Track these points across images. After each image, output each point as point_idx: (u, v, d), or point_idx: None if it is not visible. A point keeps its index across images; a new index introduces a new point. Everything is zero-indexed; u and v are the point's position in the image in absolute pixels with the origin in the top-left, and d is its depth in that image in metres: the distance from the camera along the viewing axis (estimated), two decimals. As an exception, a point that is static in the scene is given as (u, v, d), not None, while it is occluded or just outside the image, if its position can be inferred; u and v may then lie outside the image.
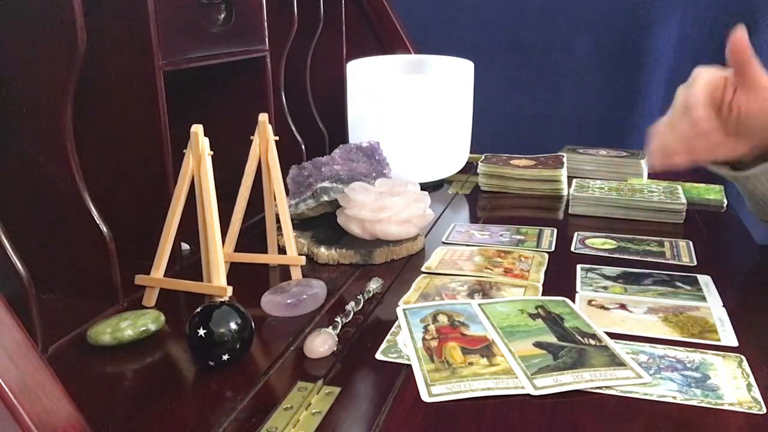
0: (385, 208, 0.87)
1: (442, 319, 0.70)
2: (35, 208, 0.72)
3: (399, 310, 0.72)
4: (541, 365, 0.61)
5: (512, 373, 0.60)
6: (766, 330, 0.69)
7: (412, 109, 1.13)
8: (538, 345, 0.64)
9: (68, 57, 0.65)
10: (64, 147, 0.68)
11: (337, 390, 0.58)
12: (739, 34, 0.67)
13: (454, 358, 0.62)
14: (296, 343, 0.67)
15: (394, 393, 0.58)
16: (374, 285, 0.78)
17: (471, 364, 0.61)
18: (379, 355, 0.64)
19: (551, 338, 0.65)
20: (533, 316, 0.70)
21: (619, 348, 0.64)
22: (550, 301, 0.73)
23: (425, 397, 0.57)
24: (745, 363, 0.62)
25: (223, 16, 0.87)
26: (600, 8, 1.51)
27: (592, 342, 0.65)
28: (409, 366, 0.62)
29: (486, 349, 0.64)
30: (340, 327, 0.68)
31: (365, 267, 0.85)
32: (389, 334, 0.68)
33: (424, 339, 0.66)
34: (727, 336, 0.67)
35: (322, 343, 0.64)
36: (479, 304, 0.73)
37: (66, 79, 0.66)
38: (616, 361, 0.61)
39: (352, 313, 0.71)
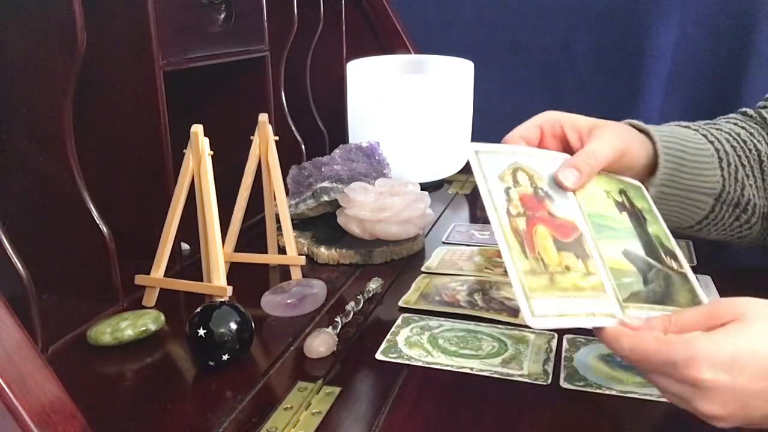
0: (385, 208, 0.87)
1: (524, 181, 0.56)
2: (35, 208, 0.72)
3: (470, 152, 0.57)
4: (633, 288, 0.53)
5: (604, 292, 0.51)
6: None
7: (412, 109, 1.13)
8: (627, 256, 0.55)
9: (68, 57, 0.65)
10: (64, 147, 0.68)
11: (337, 390, 0.58)
12: None
13: (548, 255, 0.52)
14: (296, 343, 0.67)
15: (394, 393, 0.58)
16: (374, 285, 0.78)
17: (568, 268, 0.52)
18: (379, 355, 0.64)
19: (639, 248, 0.56)
20: (620, 207, 0.58)
21: (695, 281, 0.57)
22: (629, 185, 0.62)
23: (528, 317, 0.48)
24: None
25: (223, 16, 0.87)
26: (600, 8, 1.51)
27: (674, 266, 0.57)
28: (409, 366, 0.62)
29: (578, 245, 0.53)
30: (340, 327, 0.68)
31: (365, 267, 0.85)
32: (389, 334, 0.68)
33: (509, 212, 0.53)
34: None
35: (322, 343, 0.64)
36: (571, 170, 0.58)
37: (66, 79, 0.66)
38: (695, 301, 0.55)
39: (352, 313, 0.71)
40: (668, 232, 0.59)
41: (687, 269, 0.57)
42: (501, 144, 0.60)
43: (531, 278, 0.50)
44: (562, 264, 0.51)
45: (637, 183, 0.62)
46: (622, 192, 0.60)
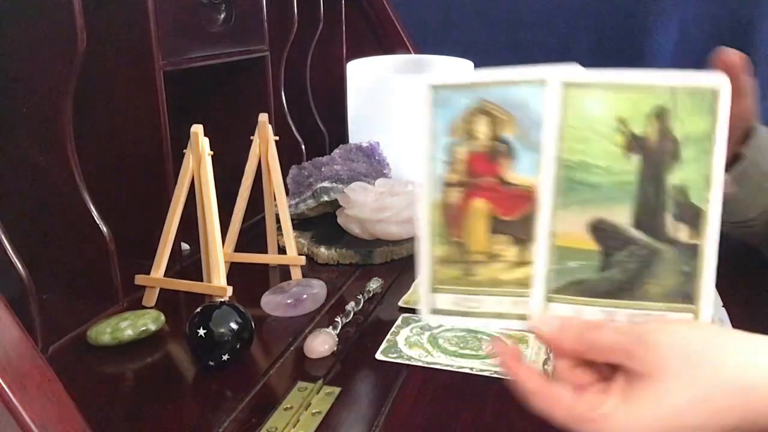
0: (385, 208, 0.87)
1: (483, 130, 0.44)
2: (35, 208, 0.72)
3: (423, 90, 0.45)
4: (576, 276, 0.42)
5: (530, 287, 0.43)
6: (766, 330, 0.68)
7: (412, 109, 1.12)
8: (594, 229, 0.42)
9: (68, 57, 0.65)
10: (64, 147, 0.68)
11: (337, 390, 0.58)
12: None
13: (474, 239, 0.43)
14: (296, 343, 0.67)
15: (394, 393, 0.58)
16: (374, 285, 0.78)
17: (494, 257, 0.43)
18: (379, 355, 0.64)
19: (625, 214, 0.42)
20: (631, 147, 0.42)
21: (710, 257, 0.41)
22: (685, 94, 0.41)
23: (423, 312, 0.44)
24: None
25: (223, 16, 0.87)
26: (600, 8, 1.51)
27: (682, 236, 0.42)
28: (409, 366, 0.62)
29: (522, 225, 0.43)
30: (340, 327, 0.68)
31: (365, 267, 0.85)
32: (389, 334, 0.68)
33: (445, 181, 0.44)
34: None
35: (322, 343, 0.64)
36: (565, 85, 0.42)
37: (66, 79, 0.66)
38: (683, 291, 0.42)
39: (352, 313, 0.71)
40: (717, 174, 0.41)
41: (707, 240, 0.41)
42: (469, 72, 0.47)
43: (442, 268, 0.43)
44: (489, 251, 0.43)
45: (711, 84, 0.41)
46: (657, 115, 0.41)
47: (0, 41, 0.67)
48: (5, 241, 0.60)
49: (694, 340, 0.38)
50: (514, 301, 0.43)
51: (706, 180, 0.41)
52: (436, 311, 0.44)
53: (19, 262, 0.60)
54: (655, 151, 0.42)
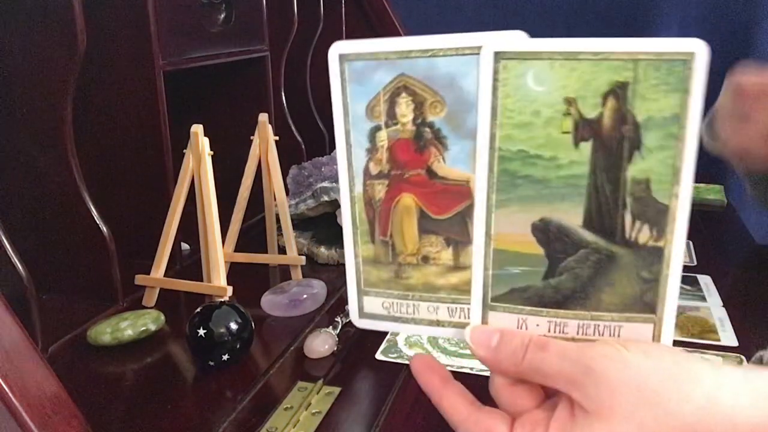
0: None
1: (404, 112, 0.38)
2: (35, 208, 0.72)
3: (331, 59, 0.40)
4: (518, 282, 0.37)
5: (468, 293, 0.38)
6: (766, 330, 0.69)
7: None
8: (539, 230, 0.37)
9: (68, 57, 0.65)
10: (64, 147, 0.68)
11: (337, 390, 0.58)
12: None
13: (404, 239, 0.39)
14: (296, 343, 0.67)
15: (394, 393, 0.58)
16: (374, 285, 0.77)
17: (426, 260, 0.39)
18: (379, 355, 0.64)
19: (575, 214, 0.36)
20: (580, 133, 0.35)
21: (675, 261, 0.36)
22: (657, 62, 0.34)
23: (354, 316, 0.41)
24: (745, 363, 0.62)
25: (223, 16, 0.87)
26: (600, 8, 1.51)
27: (643, 237, 0.36)
28: (409, 366, 0.62)
29: (456, 225, 0.38)
30: (340, 327, 0.68)
31: (365, 267, 0.85)
32: (389, 334, 0.68)
33: (366, 172, 0.39)
34: (727, 336, 0.67)
35: (322, 343, 0.64)
36: (500, 56, 0.35)
37: (66, 79, 0.66)
38: (642, 300, 0.36)
39: (352, 313, 0.71)
40: (687, 165, 0.34)
41: (673, 242, 0.35)
42: (385, 39, 0.38)
43: (371, 269, 0.40)
44: (419, 253, 0.39)
45: (682, 50, 0.33)
46: (613, 93, 0.34)
47: (0, 41, 0.67)
48: (5, 241, 0.60)
49: (651, 375, 0.33)
50: (451, 308, 0.39)
51: (674, 172, 0.34)
52: (365, 315, 0.40)
53: (19, 262, 0.60)
54: (611, 138, 0.35)
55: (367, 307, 0.40)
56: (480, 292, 0.38)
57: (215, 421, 0.54)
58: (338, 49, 0.39)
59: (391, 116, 0.38)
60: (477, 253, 0.37)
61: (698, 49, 0.33)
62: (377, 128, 0.38)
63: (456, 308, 0.39)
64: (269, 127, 0.79)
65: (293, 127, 1.08)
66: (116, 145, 0.78)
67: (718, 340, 0.66)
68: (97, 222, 0.70)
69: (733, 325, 0.69)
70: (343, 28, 1.27)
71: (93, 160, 0.76)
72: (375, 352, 0.64)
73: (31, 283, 0.61)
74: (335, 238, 0.90)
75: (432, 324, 0.39)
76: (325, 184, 0.93)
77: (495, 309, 0.38)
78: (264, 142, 0.79)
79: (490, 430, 0.36)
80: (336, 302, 0.76)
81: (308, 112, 1.21)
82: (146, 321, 0.67)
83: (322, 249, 0.87)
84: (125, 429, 0.55)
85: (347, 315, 0.70)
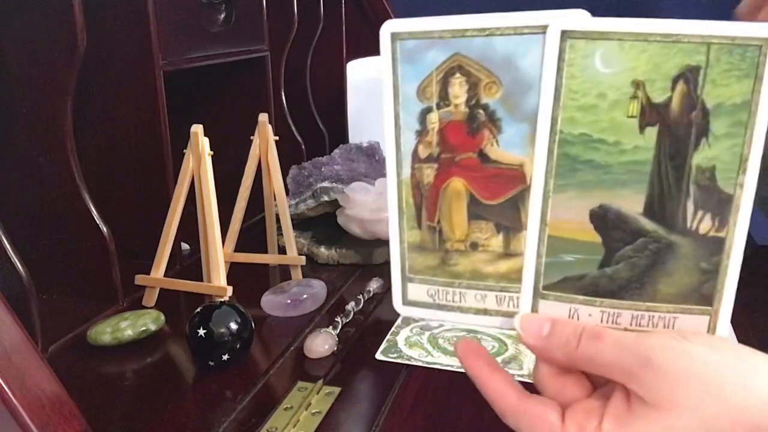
0: (385, 208, 0.87)
1: (458, 93, 0.36)
2: (35, 208, 0.72)
3: (384, 38, 0.37)
4: (572, 271, 0.36)
5: (518, 281, 0.37)
6: (766, 330, 0.69)
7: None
8: (597, 217, 0.35)
9: (68, 57, 0.65)
10: (64, 147, 0.68)
11: (337, 390, 0.58)
12: None
13: (452, 224, 0.38)
14: (296, 343, 0.67)
15: (394, 393, 0.58)
16: (374, 285, 0.78)
17: (475, 246, 0.38)
18: (379, 355, 0.64)
19: (636, 201, 0.35)
20: (646, 118, 0.34)
21: (735, 252, 0.36)
22: (730, 46, 0.33)
23: (397, 303, 0.39)
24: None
25: (223, 16, 0.87)
26: (600, 9, 1.51)
27: (704, 226, 0.35)
28: (409, 366, 0.62)
29: (508, 210, 0.37)
30: (340, 327, 0.68)
31: (365, 267, 0.85)
32: (389, 334, 0.68)
33: (415, 155, 0.38)
34: (727, 336, 0.67)
35: (322, 343, 0.64)
36: (567, 35, 0.34)
37: (66, 79, 0.66)
38: (699, 291, 0.36)
39: (352, 313, 0.71)
40: (754, 154, 0.34)
41: (735, 233, 0.35)
42: (440, 17, 0.36)
43: (416, 256, 0.38)
44: (469, 238, 0.38)
45: (759, 36, 0.33)
46: (684, 77, 0.34)
47: (0, 41, 0.67)
48: (5, 241, 0.60)
49: (715, 368, 0.32)
50: (499, 296, 0.38)
51: (740, 160, 0.33)
52: (409, 303, 0.39)
53: (19, 262, 0.60)
54: (678, 124, 0.34)
55: (411, 295, 0.39)
56: (531, 280, 0.36)
57: (215, 421, 0.54)
58: (390, 27, 0.37)
59: (444, 97, 0.37)
60: (531, 239, 0.36)
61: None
62: (428, 110, 0.37)
63: (504, 296, 0.38)
64: (269, 127, 0.79)
65: (293, 127, 1.08)
66: (116, 145, 0.78)
67: (718, 340, 0.66)
68: (97, 222, 0.70)
69: (733, 325, 0.69)
70: (343, 28, 1.27)
71: (93, 160, 0.76)
72: (375, 352, 0.64)
73: (31, 283, 0.61)
74: (335, 238, 0.90)
75: (479, 312, 0.38)
76: (325, 184, 0.93)
77: (546, 298, 0.36)
78: (264, 142, 0.79)
79: (540, 418, 0.35)
80: (336, 302, 0.76)
81: (308, 112, 1.21)
82: (146, 321, 0.67)
83: (322, 249, 0.87)
84: (125, 429, 0.55)
85: (347, 315, 0.70)
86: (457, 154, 0.37)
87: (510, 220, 0.37)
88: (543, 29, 0.34)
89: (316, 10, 1.16)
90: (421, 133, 0.37)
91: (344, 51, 1.27)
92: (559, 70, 0.34)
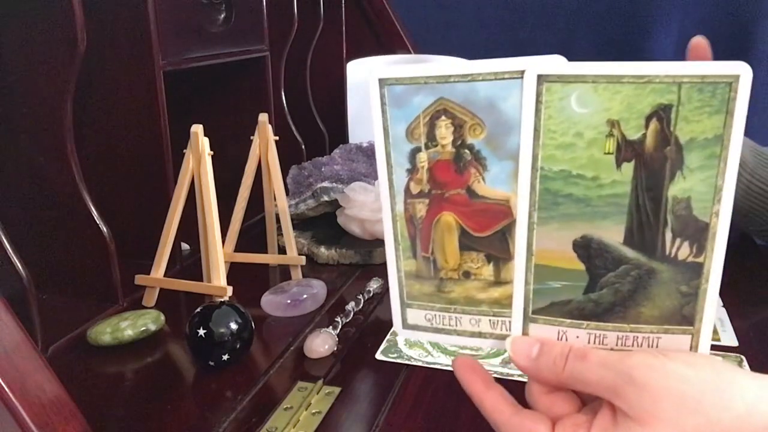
0: (385, 208, 0.87)
1: (444, 134, 0.39)
2: (35, 208, 0.72)
3: (372, 85, 0.41)
4: (559, 296, 0.38)
5: (509, 307, 0.39)
6: (766, 330, 0.69)
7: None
8: (580, 247, 0.38)
9: (68, 57, 0.65)
10: (64, 147, 0.68)
11: (337, 390, 0.58)
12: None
13: (445, 255, 0.40)
14: (296, 343, 0.67)
15: (394, 393, 0.58)
16: (374, 285, 0.78)
17: (467, 275, 0.40)
18: (379, 355, 0.64)
19: (616, 231, 0.37)
20: (623, 154, 0.36)
21: (712, 279, 0.37)
22: (701, 84, 0.34)
23: (398, 326, 0.42)
24: (745, 363, 0.62)
25: (223, 16, 0.87)
26: (600, 8, 1.51)
27: (683, 253, 0.37)
28: (409, 366, 0.62)
29: (496, 242, 0.39)
30: (340, 327, 0.68)
31: (365, 267, 0.85)
32: (389, 334, 0.68)
33: (407, 191, 0.40)
34: (727, 336, 0.67)
35: (322, 343, 0.64)
36: (544, 79, 0.37)
37: (66, 79, 0.66)
38: (681, 313, 0.37)
39: (352, 313, 0.71)
40: (728, 184, 0.35)
41: (712, 258, 0.36)
42: (424, 65, 0.39)
43: (413, 283, 0.41)
44: (461, 268, 0.40)
45: (727, 73, 0.34)
46: (657, 115, 0.35)
47: (0, 41, 0.67)
48: (5, 241, 0.60)
49: (693, 384, 0.33)
50: (492, 321, 0.40)
51: (715, 190, 0.35)
52: (409, 326, 0.42)
53: (19, 262, 0.60)
54: (653, 159, 0.36)
55: (410, 319, 0.41)
56: (521, 305, 0.39)
57: (215, 421, 0.54)
58: (378, 74, 0.40)
59: (431, 138, 0.39)
60: (519, 268, 0.38)
61: (743, 72, 0.34)
62: (417, 149, 0.40)
63: (497, 321, 0.40)
64: (269, 127, 0.79)
65: (293, 127, 1.08)
66: (116, 145, 0.78)
67: (719, 340, 0.66)
68: (97, 222, 0.70)
69: (733, 325, 0.69)
70: (343, 28, 1.27)
71: (93, 160, 0.76)
72: (375, 352, 0.64)
73: (31, 283, 0.61)
74: (335, 238, 0.90)
75: (474, 335, 0.41)
76: (325, 184, 0.93)
77: (535, 321, 0.39)
78: (264, 142, 0.79)
79: (531, 431, 0.37)
80: (336, 302, 0.76)
81: (308, 112, 1.21)
82: (146, 321, 0.67)
83: (322, 249, 0.87)
84: (125, 429, 0.55)
85: (347, 315, 0.70)
86: (447, 190, 0.40)
87: (499, 251, 0.40)
88: (521, 74, 0.37)
89: (316, 10, 1.16)
90: (412, 171, 0.40)
91: (344, 51, 1.27)
92: (538, 111, 0.36)
